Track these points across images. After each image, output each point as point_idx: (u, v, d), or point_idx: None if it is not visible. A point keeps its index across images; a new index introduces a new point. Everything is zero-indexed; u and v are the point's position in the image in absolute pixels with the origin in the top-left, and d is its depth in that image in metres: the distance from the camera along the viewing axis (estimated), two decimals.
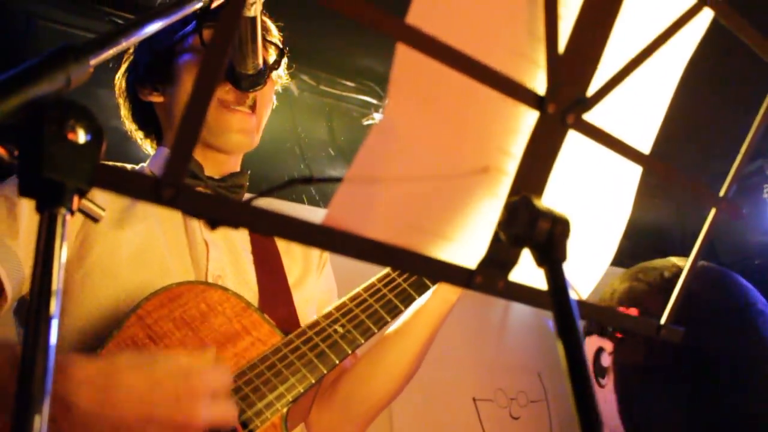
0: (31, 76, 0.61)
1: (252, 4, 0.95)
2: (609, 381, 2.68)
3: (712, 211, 0.77)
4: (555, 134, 0.60)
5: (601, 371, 2.79)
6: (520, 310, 3.28)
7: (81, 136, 0.61)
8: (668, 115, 0.79)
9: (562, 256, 0.55)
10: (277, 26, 1.37)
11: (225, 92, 1.22)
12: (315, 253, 1.37)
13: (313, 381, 1.07)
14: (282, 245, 1.32)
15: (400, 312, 1.18)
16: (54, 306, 0.53)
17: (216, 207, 0.49)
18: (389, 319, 1.16)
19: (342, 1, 0.48)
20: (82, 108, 0.62)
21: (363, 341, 1.13)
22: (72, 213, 0.58)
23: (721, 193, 0.77)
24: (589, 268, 0.69)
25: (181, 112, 0.46)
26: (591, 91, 0.61)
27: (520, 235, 0.55)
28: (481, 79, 0.54)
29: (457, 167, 0.56)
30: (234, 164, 1.34)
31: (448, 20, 0.53)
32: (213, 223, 0.50)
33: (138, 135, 1.39)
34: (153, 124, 1.37)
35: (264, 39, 1.30)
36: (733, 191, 0.77)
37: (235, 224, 0.50)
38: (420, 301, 1.23)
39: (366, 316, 1.14)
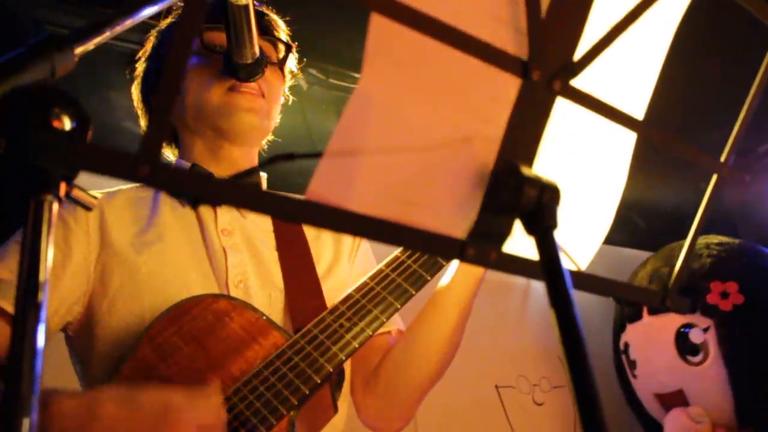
0: (14, 66, 0.61)
1: None
2: (710, 358, 2.64)
3: (714, 177, 0.75)
4: (542, 101, 0.59)
5: (691, 349, 2.75)
6: (540, 295, 3.25)
7: (66, 124, 0.60)
8: (665, 84, 0.77)
9: (552, 224, 0.54)
10: (285, 21, 1.38)
11: (231, 83, 1.22)
12: (347, 238, 1.34)
13: (319, 382, 1.04)
14: (311, 234, 1.30)
15: (410, 295, 1.14)
16: (42, 294, 0.53)
17: (193, 183, 0.49)
18: (398, 305, 1.12)
19: None
20: (67, 96, 0.62)
21: (371, 333, 1.10)
22: (60, 200, 0.58)
23: (722, 159, 0.75)
24: (587, 239, 0.67)
25: (158, 90, 0.46)
26: (577, 56, 0.60)
27: (507, 204, 0.55)
28: (460, 46, 0.54)
29: (440, 137, 0.55)
30: (247, 161, 1.31)
31: None
32: (194, 201, 0.50)
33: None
34: (172, 135, 1.37)
35: (271, 35, 1.31)
36: (733, 159, 0.76)
37: (215, 200, 0.50)
38: (446, 279, 1.19)
39: (372, 305, 1.11)
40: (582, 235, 0.67)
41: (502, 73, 0.57)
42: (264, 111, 1.26)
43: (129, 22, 0.73)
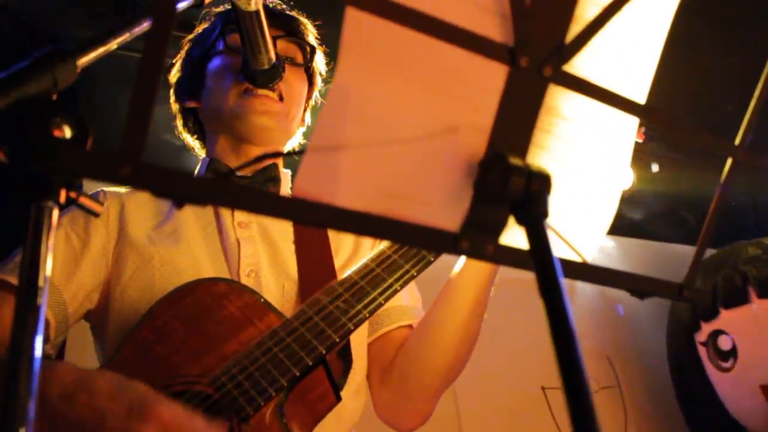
0: (17, 78, 0.63)
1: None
2: (739, 364, 2.51)
3: (728, 161, 0.73)
4: (532, 89, 0.58)
5: (722, 355, 2.65)
6: (585, 294, 3.19)
7: (67, 132, 0.62)
8: (678, 67, 0.75)
9: (542, 213, 0.53)
10: (315, 25, 1.40)
11: (241, 92, 1.25)
12: None
13: (310, 363, 1.02)
14: (332, 232, 1.30)
15: (412, 276, 1.09)
16: (41, 297, 0.55)
17: (175, 183, 0.49)
18: (398, 287, 1.08)
19: None
20: (68, 107, 0.64)
21: (367, 315, 1.07)
22: (60, 206, 0.60)
23: (737, 142, 0.72)
24: (591, 229, 0.66)
25: (133, 88, 0.47)
26: (569, 40, 0.59)
27: (496, 194, 0.54)
28: (442, 36, 0.53)
29: (427, 129, 0.55)
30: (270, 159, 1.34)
31: None
32: (179, 202, 0.50)
33: (195, 145, 1.45)
34: (202, 132, 1.42)
35: (298, 36, 1.33)
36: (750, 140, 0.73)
37: (197, 200, 0.50)
38: (459, 265, 1.14)
39: (371, 287, 1.07)
40: (585, 226, 0.65)
41: (489, 62, 0.56)
42: (282, 113, 1.28)
43: (137, 30, 0.75)
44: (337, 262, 1.25)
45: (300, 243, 1.24)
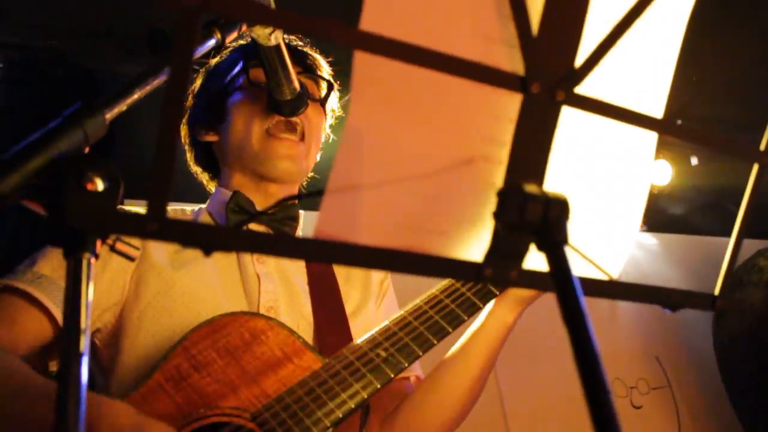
0: (50, 137, 0.66)
1: (270, 34, 0.98)
2: None
3: (755, 168, 0.72)
4: (546, 114, 0.58)
5: None
6: None
7: (99, 185, 0.65)
8: (704, 73, 0.74)
9: (562, 238, 0.54)
10: (328, 61, 1.41)
11: (272, 123, 1.27)
12: (375, 281, 1.38)
13: (353, 406, 1.05)
14: (341, 274, 1.34)
15: (447, 332, 1.14)
16: (83, 343, 0.57)
17: (200, 234, 0.51)
18: (434, 341, 1.13)
19: (287, 20, 0.49)
20: (99, 160, 0.67)
21: (406, 364, 1.10)
22: (96, 256, 0.62)
23: (762, 147, 0.71)
24: (616, 245, 0.66)
25: (155, 148, 0.49)
26: (579, 62, 0.59)
27: (514, 222, 0.54)
28: (449, 70, 0.54)
29: (441, 162, 0.56)
30: (286, 194, 1.35)
31: (404, 17, 0.53)
32: (206, 250, 0.52)
33: (204, 177, 1.47)
34: (214, 165, 1.43)
35: (314, 72, 1.35)
36: None
37: (224, 248, 0.52)
38: (475, 325, 1.20)
39: (410, 338, 1.12)
40: (610, 243, 0.65)
41: (501, 91, 0.57)
42: (302, 155, 1.31)
43: (156, 82, 0.78)
44: (347, 309, 1.28)
45: (313, 285, 1.27)
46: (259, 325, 1.12)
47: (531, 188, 0.54)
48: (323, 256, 0.55)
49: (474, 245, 0.58)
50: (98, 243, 0.63)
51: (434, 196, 0.56)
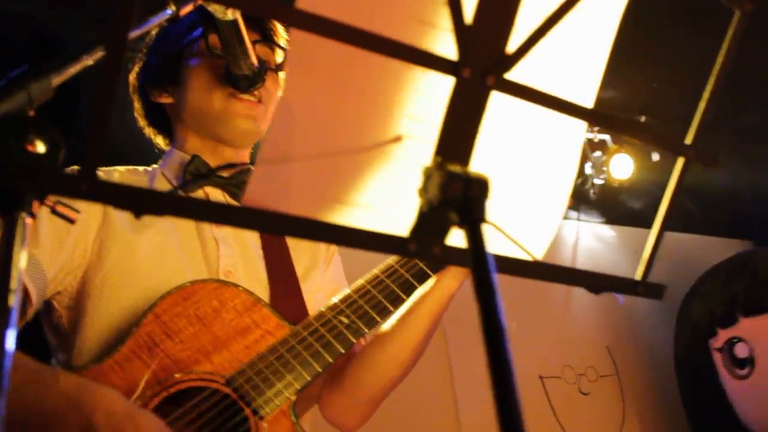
0: None
1: (227, 9, 0.99)
2: (757, 372, 2.51)
3: (680, 161, 0.75)
4: (475, 98, 0.61)
5: (738, 362, 2.65)
6: None
7: (39, 147, 0.66)
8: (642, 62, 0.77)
9: (480, 216, 0.56)
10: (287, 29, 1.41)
11: (226, 95, 1.27)
12: (322, 246, 1.41)
13: (320, 370, 1.12)
14: (291, 240, 1.37)
15: (402, 301, 1.21)
16: (12, 300, 0.58)
17: (132, 197, 0.53)
18: (392, 309, 1.20)
19: None
20: (42, 123, 0.68)
21: (367, 330, 1.18)
22: (33, 216, 0.63)
23: (687, 141, 0.75)
24: (541, 227, 0.69)
25: (89, 110, 0.50)
26: (511, 49, 0.61)
27: (436, 200, 0.57)
28: (384, 51, 0.56)
29: (371, 139, 0.58)
30: (238, 159, 1.37)
31: None
32: (136, 213, 0.54)
33: (149, 132, 1.46)
34: (164, 124, 1.43)
35: (270, 40, 1.35)
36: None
37: (154, 212, 0.54)
38: (421, 291, 1.26)
39: (369, 306, 1.18)
40: (536, 225, 0.68)
41: (431, 74, 0.59)
42: (261, 116, 1.32)
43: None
44: (298, 271, 1.32)
45: (267, 250, 1.30)
46: (227, 293, 1.16)
47: (454, 167, 0.56)
48: (252, 224, 0.57)
49: (400, 220, 0.61)
50: (36, 204, 0.64)
51: (363, 171, 0.59)
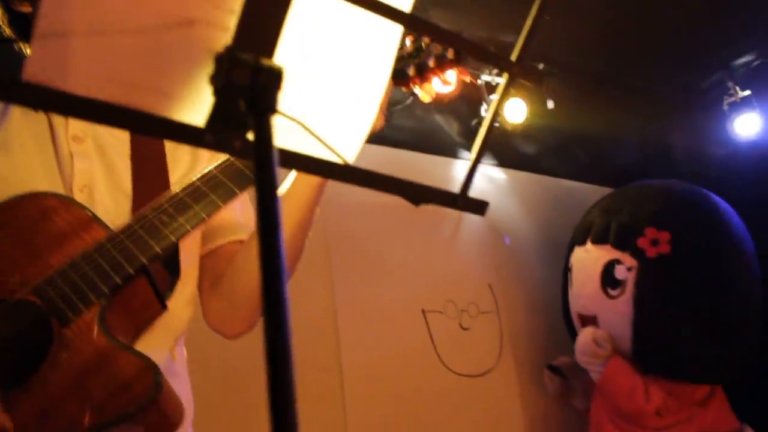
0: None
1: None
2: (624, 295, 2.75)
3: (505, 77, 0.76)
4: None
5: (613, 282, 2.86)
6: (473, 222, 3.30)
7: None
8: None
9: (268, 106, 0.55)
10: None
11: None
12: (204, 150, 1.34)
13: (131, 271, 1.06)
14: (169, 147, 1.31)
15: (235, 194, 1.14)
16: None
17: None
18: (221, 203, 1.13)
19: None
20: None
21: (190, 228, 1.11)
22: None
23: (513, 58, 0.76)
24: (351, 132, 0.68)
25: None
26: None
27: (222, 86, 0.55)
28: None
29: (159, 19, 0.55)
30: None
31: None
32: None
33: (20, 43, 1.38)
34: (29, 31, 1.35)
35: None
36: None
37: None
38: (284, 187, 1.22)
39: (194, 202, 1.12)
40: (346, 129, 0.68)
41: None
42: None
43: None
44: (173, 177, 1.27)
45: (136, 158, 1.25)
46: (51, 203, 1.10)
47: (243, 55, 0.55)
48: (31, 101, 0.54)
49: (197, 109, 0.59)
50: None
51: (152, 53, 0.56)
